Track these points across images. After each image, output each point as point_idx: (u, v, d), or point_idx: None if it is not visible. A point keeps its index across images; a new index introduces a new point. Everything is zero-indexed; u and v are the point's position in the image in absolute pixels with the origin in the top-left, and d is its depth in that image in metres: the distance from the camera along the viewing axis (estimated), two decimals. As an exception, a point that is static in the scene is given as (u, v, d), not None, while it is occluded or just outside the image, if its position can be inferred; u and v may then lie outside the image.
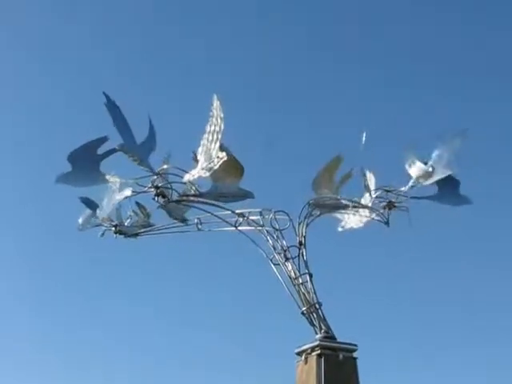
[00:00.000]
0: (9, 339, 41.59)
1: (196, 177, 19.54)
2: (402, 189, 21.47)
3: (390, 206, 21.35)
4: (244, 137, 19.63)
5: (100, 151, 19.49)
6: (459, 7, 47.51)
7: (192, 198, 20.06)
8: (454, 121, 42.20)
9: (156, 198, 19.89)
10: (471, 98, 46.25)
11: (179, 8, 48.08)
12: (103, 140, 19.33)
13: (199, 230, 21.29)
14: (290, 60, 45.69)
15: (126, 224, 21.90)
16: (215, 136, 19.18)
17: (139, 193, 19.85)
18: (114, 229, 21.79)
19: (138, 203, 21.83)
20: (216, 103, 19.17)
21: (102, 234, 22.04)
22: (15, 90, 46.35)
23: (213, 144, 19.19)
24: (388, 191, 21.50)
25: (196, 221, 21.12)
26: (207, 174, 19.45)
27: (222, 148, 19.36)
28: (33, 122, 46.01)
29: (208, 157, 19.27)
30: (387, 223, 21.34)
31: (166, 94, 44.02)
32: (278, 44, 46.36)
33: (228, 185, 19.77)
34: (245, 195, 19.86)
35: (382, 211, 21.31)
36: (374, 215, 21.36)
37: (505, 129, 44.45)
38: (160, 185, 19.71)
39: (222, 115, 19.08)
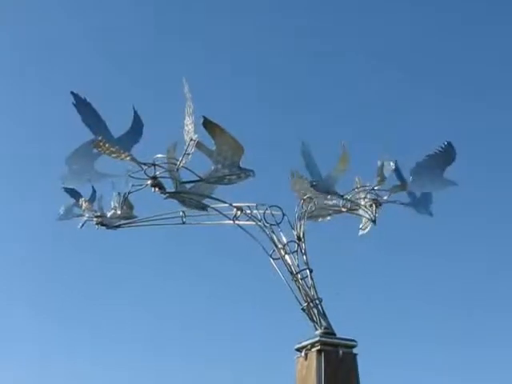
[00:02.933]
0: (9, 338, 40.69)
1: (184, 163, 19.19)
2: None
3: (376, 204, 21.39)
4: (243, 135, 19.33)
5: (96, 150, 19.09)
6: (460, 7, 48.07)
7: (191, 185, 19.72)
8: (454, 121, 43.09)
9: (154, 190, 19.43)
10: (471, 98, 46.54)
11: (179, 7, 47.49)
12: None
13: (184, 223, 20.92)
14: (291, 59, 45.61)
15: (108, 216, 21.30)
16: (191, 118, 18.95)
17: (142, 187, 19.43)
18: (95, 220, 21.18)
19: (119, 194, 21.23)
20: (186, 86, 18.97)
21: (82, 226, 21.40)
22: (15, 89, 45.85)
23: (189, 127, 18.98)
24: (369, 190, 21.49)
25: (181, 213, 20.75)
26: (189, 158, 19.15)
27: (219, 129, 19.01)
28: (33, 121, 44.96)
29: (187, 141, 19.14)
30: (374, 221, 21.36)
31: (166, 93, 43.20)
32: (278, 44, 46.25)
33: (228, 166, 19.33)
34: (246, 174, 19.41)
35: (370, 209, 21.33)
36: (361, 212, 21.41)
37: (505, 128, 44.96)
38: (157, 174, 19.31)
39: (190, 95, 18.93)
